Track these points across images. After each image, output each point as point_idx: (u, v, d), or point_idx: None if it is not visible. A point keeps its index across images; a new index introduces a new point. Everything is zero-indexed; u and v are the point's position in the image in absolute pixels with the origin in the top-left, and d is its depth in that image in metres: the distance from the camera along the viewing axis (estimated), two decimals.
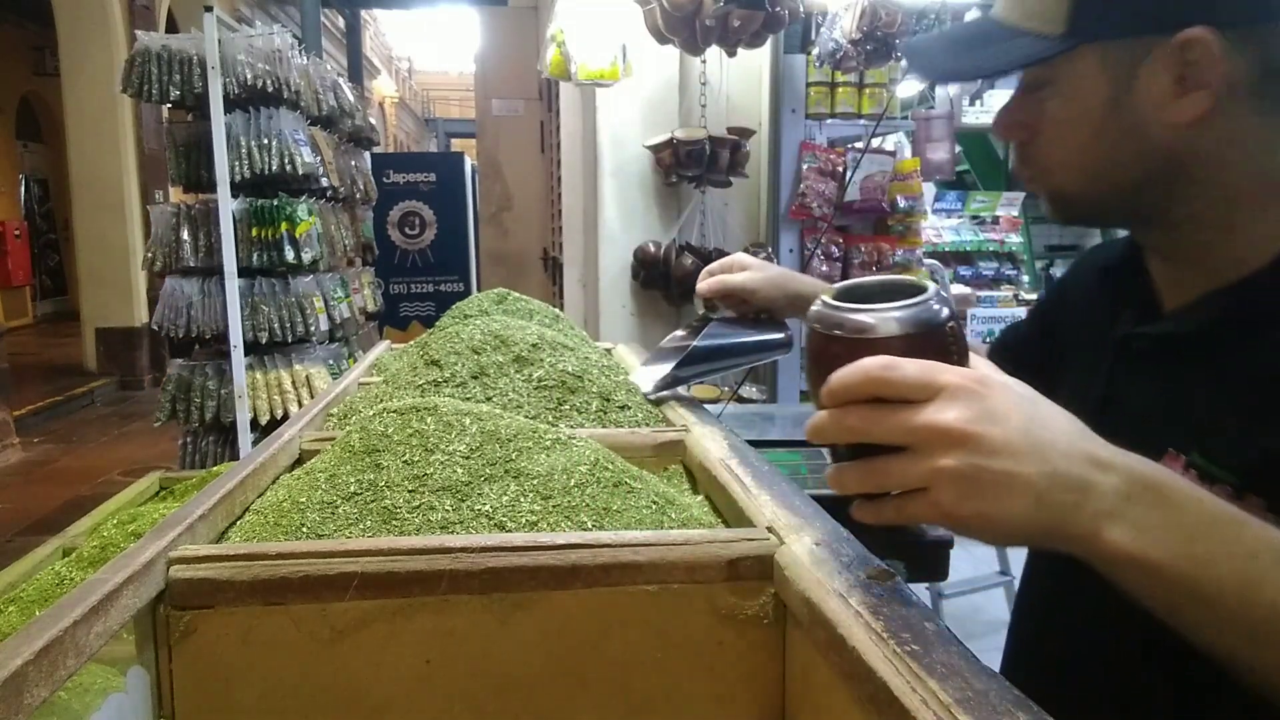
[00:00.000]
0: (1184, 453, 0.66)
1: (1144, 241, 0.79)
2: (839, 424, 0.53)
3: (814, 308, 0.58)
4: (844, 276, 3.32)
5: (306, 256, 3.60)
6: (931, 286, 0.57)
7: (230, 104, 3.43)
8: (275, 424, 3.52)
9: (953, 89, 3.29)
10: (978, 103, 4.59)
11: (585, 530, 0.70)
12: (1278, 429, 0.62)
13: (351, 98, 4.48)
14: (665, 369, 1.13)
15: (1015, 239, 5.22)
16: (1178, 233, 0.72)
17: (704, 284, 1.14)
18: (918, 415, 0.50)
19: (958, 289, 4.54)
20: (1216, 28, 0.63)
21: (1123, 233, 0.83)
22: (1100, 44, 0.68)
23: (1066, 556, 0.53)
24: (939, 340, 0.55)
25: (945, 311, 0.55)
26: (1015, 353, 0.98)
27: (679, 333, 1.23)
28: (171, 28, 9.04)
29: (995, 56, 0.71)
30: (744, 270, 1.12)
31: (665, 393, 1.13)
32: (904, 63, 2.97)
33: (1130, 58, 0.67)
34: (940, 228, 5.05)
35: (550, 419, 1.01)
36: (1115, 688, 0.76)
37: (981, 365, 0.56)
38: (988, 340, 1.21)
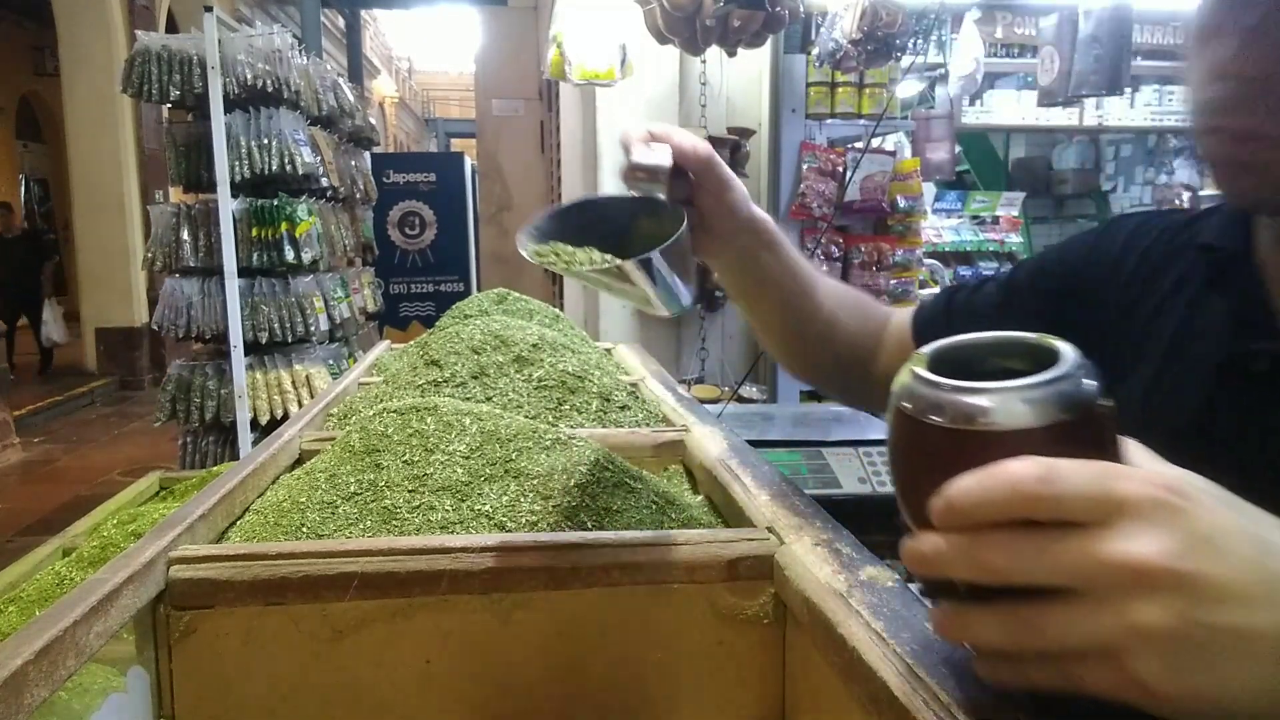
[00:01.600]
0: None
1: None
2: (973, 557, 0.37)
3: (904, 380, 0.42)
4: (844, 277, 3.30)
5: (306, 256, 3.60)
6: (1067, 350, 0.40)
7: (230, 104, 3.43)
8: (275, 424, 3.52)
9: (953, 88, 3.26)
10: (978, 103, 4.57)
11: (585, 530, 0.70)
12: None
13: (351, 98, 4.48)
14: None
15: (1015, 239, 5.21)
16: None
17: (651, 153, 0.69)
18: (1097, 546, 0.36)
19: None
20: None
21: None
22: None
23: None
24: (1094, 429, 0.38)
25: (1095, 385, 0.39)
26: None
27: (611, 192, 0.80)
28: (171, 28, 9.03)
29: None
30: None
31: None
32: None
33: None
34: (940, 228, 5.04)
35: (550, 419, 1.01)
36: None
37: (1142, 458, 0.40)
38: None
